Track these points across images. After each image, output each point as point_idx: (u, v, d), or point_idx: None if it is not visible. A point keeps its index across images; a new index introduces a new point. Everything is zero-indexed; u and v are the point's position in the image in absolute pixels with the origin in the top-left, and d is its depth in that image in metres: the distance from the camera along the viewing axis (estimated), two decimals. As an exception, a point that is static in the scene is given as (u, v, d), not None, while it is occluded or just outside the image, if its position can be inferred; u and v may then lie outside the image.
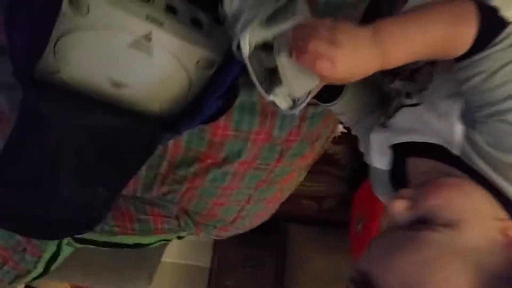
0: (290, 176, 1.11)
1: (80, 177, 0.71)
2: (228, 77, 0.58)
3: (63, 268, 1.16)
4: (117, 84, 0.63)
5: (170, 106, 0.69)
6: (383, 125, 0.69)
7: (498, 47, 0.52)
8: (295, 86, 0.57)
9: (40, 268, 1.11)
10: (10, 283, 1.15)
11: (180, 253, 2.50)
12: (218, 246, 2.38)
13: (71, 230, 0.83)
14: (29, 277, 1.15)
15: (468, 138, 0.56)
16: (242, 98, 0.78)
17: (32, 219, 0.74)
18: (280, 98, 0.60)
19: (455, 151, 0.58)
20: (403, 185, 0.65)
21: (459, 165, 0.57)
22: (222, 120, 0.83)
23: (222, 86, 0.60)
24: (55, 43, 0.55)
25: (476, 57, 0.53)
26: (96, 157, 0.71)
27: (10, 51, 0.53)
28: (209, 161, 0.94)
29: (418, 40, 0.54)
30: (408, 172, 0.65)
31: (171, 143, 0.90)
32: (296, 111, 0.61)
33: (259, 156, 0.94)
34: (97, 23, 0.52)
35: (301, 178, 1.23)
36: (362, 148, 0.80)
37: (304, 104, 0.60)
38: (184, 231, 1.28)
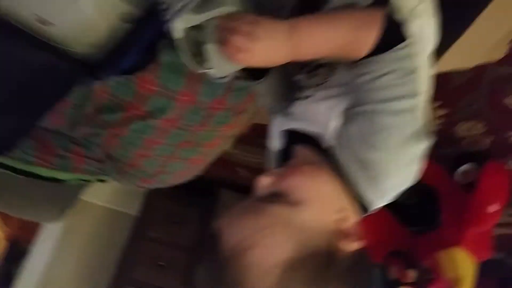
0: (214, 142, 1.15)
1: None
2: (146, 35, 0.61)
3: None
4: (43, 21, 0.64)
5: (91, 52, 0.70)
6: (284, 113, 0.75)
7: (389, 56, 0.58)
8: (220, 68, 0.65)
9: None
10: None
11: (111, 198, 2.53)
12: (150, 197, 2.42)
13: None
14: None
15: (340, 132, 0.62)
16: (171, 58, 0.80)
17: None
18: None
19: (326, 143, 0.64)
20: None
21: (327, 157, 0.64)
22: (149, 75, 0.85)
23: (139, 42, 0.62)
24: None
25: (370, 58, 0.59)
26: (13, 86, 0.71)
27: None
28: (134, 111, 0.96)
29: (326, 39, 0.60)
30: (294, 156, 0.71)
31: (97, 87, 0.91)
32: (224, 80, 0.67)
33: (183, 117, 0.97)
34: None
35: (227, 147, 1.27)
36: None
37: (231, 76, 0.66)
38: (105, 175, 1.30)
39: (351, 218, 0.63)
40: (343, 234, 0.59)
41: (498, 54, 1.15)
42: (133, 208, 2.54)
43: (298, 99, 0.73)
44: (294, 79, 0.80)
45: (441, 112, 1.49)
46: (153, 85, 0.87)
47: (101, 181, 1.39)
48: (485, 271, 1.88)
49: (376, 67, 0.59)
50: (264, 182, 0.61)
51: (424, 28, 0.67)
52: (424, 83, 0.65)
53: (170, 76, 0.85)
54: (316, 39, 0.60)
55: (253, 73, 0.83)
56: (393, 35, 0.60)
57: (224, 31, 0.59)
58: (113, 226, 2.52)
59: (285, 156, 0.75)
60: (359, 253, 0.59)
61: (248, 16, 0.60)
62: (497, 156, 1.70)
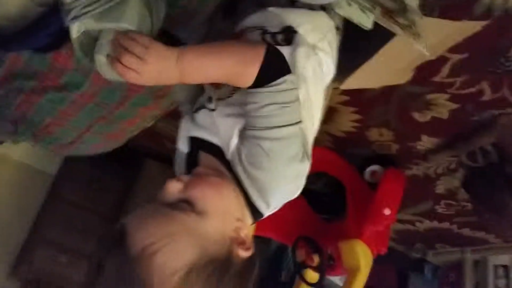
0: (133, 121, 1.17)
1: None
2: (54, 23, 0.63)
3: None
4: None
5: (4, 25, 0.70)
6: (190, 117, 0.80)
7: (270, 89, 0.66)
8: (109, 75, 0.69)
9: None
10: None
11: (28, 154, 2.43)
12: (70, 159, 2.35)
13: None
14: None
15: (238, 149, 0.69)
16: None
17: None
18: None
19: (228, 156, 0.71)
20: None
21: (229, 168, 0.71)
22: (65, 51, 0.85)
23: (48, 27, 0.64)
24: None
25: (254, 90, 0.67)
26: None
27: None
28: (48, 82, 0.96)
29: (211, 69, 0.68)
30: (199, 161, 0.76)
31: (11, 55, 0.90)
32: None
33: (99, 95, 0.99)
34: None
35: (148, 124, 1.30)
36: None
37: None
38: (20, 137, 1.28)
39: (247, 225, 0.71)
40: (240, 241, 0.66)
41: (406, 78, 1.27)
42: (51, 167, 2.47)
43: (203, 107, 0.77)
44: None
45: (356, 116, 1.61)
46: (68, 61, 0.88)
47: (15, 142, 1.37)
48: (386, 261, 2.08)
49: (259, 98, 0.66)
50: (173, 188, 0.65)
51: (322, 62, 0.76)
52: (307, 111, 0.73)
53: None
54: (202, 68, 0.67)
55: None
56: (271, 70, 0.67)
57: (118, 47, 0.63)
58: (31, 184, 2.44)
59: (190, 159, 0.81)
60: (250, 257, 0.66)
61: (143, 38, 0.64)
62: (401, 162, 1.86)
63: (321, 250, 1.93)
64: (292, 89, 0.67)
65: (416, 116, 1.53)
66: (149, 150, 2.45)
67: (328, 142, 1.88)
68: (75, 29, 0.65)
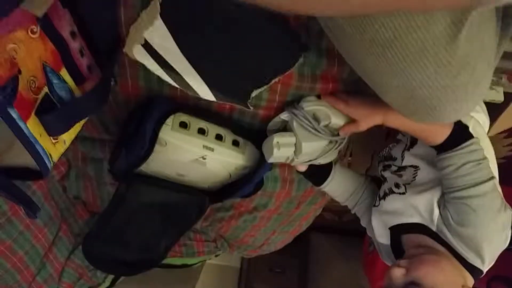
0: (308, 215, 1.35)
1: (150, 234, 0.98)
2: (257, 178, 0.84)
3: (124, 281, 1.45)
4: (180, 175, 0.89)
5: (215, 186, 0.94)
6: (375, 205, 0.93)
7: (462, 150, 0.77)
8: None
9: (107, 283, 1.40)
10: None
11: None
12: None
13: (141, 268, 1.11)
14: (98, 288, 1.45)
15: (442, 217, 0.79)
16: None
17: (117, 262, 1.03)
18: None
19: (433, 227, 0.81)
20: (402, 254, 0.88)
21: (437, 239, 0.81)
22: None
23: (254, 181, 0.85)
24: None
25: (448, 154, 0.78)
26: (164, 220, 0.98)
27: (112, 168, 0.81)
28: (242, 209, 1.19)
29: (411, 126, 0.80)
30: (404, 244, 0.88)
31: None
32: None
33: (281, 206, 1.19)
34: (171, 151, 0.78)
35: (318, 213, 1.47)
36: (363, 224, 1.04)
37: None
38: (220, 250, 1.56)
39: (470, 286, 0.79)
40: None
41: None
42: (234, 261, 2.78)
43: (390, 193, 0.91)
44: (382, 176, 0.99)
45: (509, 141, 1.58)
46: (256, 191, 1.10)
47: (216, 255, 1.65)
48: None
49: (454, 160, 0.77)
50: (398, 274, 0.77)
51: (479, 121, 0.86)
52: (492, 166, 0.81)
53: (268, 182, 1.07)
54: (400, 119, 0.77)
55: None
56: (463, 133, 0.78)
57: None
58: (221, 280, 2.75)
59: (395, 247, 0.92)
60: None
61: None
62: None
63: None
64: (480, 149, 0.77)
65: None
66: (311, 225, 2.61)
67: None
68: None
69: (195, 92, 0.71)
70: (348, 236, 2.52)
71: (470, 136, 0.78)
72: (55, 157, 0.55)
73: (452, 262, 0.78)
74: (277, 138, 0.80)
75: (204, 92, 0.71)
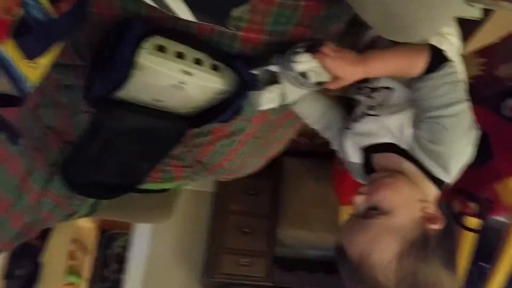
0: (284, 139, 1.38)
1: (129, 159, 0.98)
2: (237, 103, 0.84)
3: (102, 207, 1.47)
4: (157, 100, 0.87)
5: (194, 111, 0.94)
6: (348, 128, 0.95)
7: (438, 73, 0.80)
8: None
9: (84, 210, 1.41)
10: (61, 220, 1.46)
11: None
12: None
13: (120, 192, 1.12)
14: (76, 216, 1.46)
15: (415, 135, 0.83)
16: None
17: (96, 186, 1.03)
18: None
19: (403, 145, 0.86)
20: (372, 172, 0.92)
21: (406, 156, 0.85)
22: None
23: (234, 106, 0.85)
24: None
25: (425, 77, 0.81)
26: (142, 145, 0.97)
27: (87, 94, 0.78)
28: (220, 133, 1.20)
29: (390, 65, 0.84)
30: (374, 163, 0.92)
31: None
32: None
33: (258, 130, 1.20)
34: (148, 75, 0.76)
35: (294, 136, 1.50)
36: (334, 147, 1.08)
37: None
38: (197, 175, 1.58)
39: (432, 200, 0.84)
40: (429, 217, 0.79)
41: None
42: (209, 186, 2.86)
43: (364, 116, 0.93)
44: (355, 99, 1.00)
45: (481, 60, 1.62)
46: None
47: (193, 180, 1.68)
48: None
49: (432, 82, 0.80)
50: (359, 201, 0.83)
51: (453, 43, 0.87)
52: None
53: (246, 107, 1.07)
54: (382, 65, 0.84)
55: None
56: (436, 59, 0.80)
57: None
58: (196, 203, 2.84)
59: (367, 167, 0.96)
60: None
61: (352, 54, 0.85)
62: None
63: (477, 197, 1.95)
64: (455, 72, 0.81)
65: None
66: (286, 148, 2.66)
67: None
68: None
69: (174, 11, 0.68)
70: (319, 158, 2.60)
71: (446, 60, 0.81)
72: (34, 81, 0.52)
73: (411, 180, 0.83)
74: (268, 94, 0.91)
75: (183, 11, 0.68)
